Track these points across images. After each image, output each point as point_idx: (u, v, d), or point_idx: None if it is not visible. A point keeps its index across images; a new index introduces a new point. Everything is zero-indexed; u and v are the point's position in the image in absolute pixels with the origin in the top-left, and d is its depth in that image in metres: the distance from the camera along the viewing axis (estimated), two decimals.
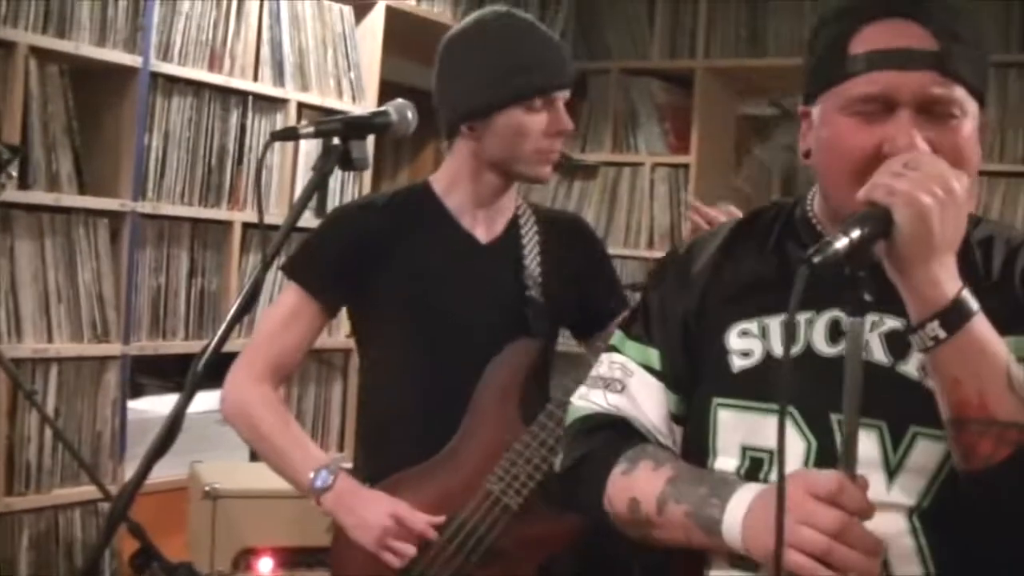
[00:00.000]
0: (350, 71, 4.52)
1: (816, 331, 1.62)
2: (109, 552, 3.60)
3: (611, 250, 5.44)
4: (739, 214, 2.26)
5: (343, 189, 4.43)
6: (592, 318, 2.62)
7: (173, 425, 1.79)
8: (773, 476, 1.57)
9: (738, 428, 1.64)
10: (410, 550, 2.29)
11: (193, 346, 3.92)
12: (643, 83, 5.61)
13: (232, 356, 2.45)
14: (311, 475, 2.36)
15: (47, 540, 3.56)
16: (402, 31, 4.69)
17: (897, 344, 1.57)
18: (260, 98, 4.17)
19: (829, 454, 1.54)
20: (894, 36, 1.56)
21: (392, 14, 4.63)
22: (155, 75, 3.79)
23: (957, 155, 1.52)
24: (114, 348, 3.73)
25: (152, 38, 3.76)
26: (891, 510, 1.51)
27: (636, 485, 1.66)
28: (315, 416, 4.39)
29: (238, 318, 1.86)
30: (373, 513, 2.32)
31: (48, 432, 3.49)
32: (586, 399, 1.83)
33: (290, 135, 2.23)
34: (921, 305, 1.42)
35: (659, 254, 5.37)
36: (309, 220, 2.32)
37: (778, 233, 1.74)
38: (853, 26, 1.59)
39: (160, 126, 3.84)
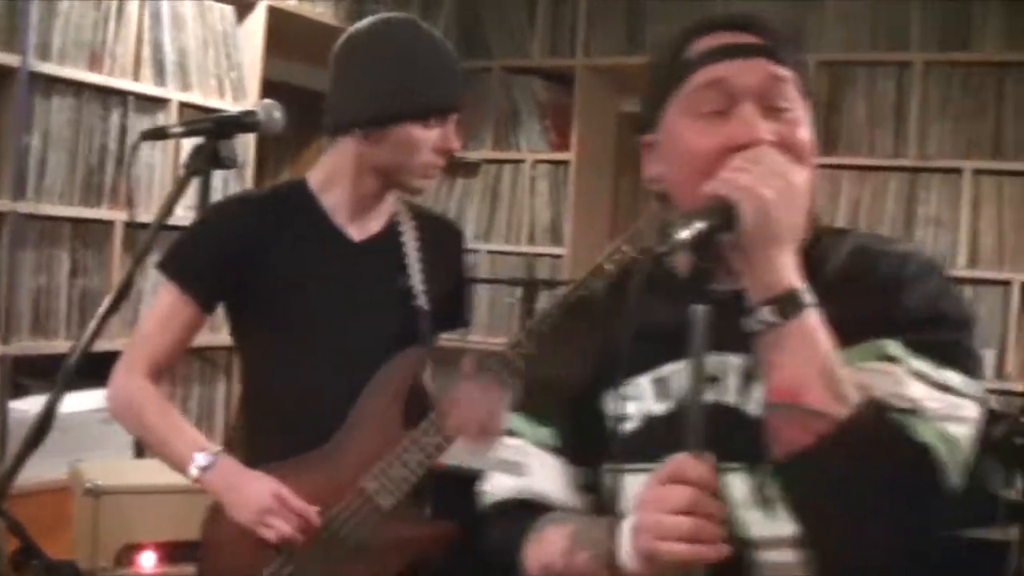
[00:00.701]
0: (232, 71, 4.52)
1: (678, 382, 1.65)
2: None
3: (493, 246, 5.63)
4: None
5: (226, 188, 4.41)
6: (442, 322, 2.66)
7: (44, 421, 1.81)
8: None
9: (629, 491, 1.60)
10: (288, 529, 2.30)
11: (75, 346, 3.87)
12: (524, 81, 5.70)
13: (116, 355, 2.48)
14: (193, 456, 2.37)
15: None
16: (284, 31, 4.70)
17: (747, 384, 1.59)
18: (141, 98, 4.15)
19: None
20: (725, 39, 1.62)
21: (274, 14, 4.64)
22: (34, 75, 3.76)
23: (799, 148, 1.56)
24: None
25: (31, 38, 3.73)
26: (778, 545, 1.53)
27: (544, 550, 1.66)
28: (199, 415, 4.40)
29: (107, 317, 1.88)
30: (255, 491, 2.33)
31: None
32: (493, 485, 1.83)
33: (160, 134, 2.25)
34: (760, 290, 1.46)
35: (541, 250, 5.47)
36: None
37: (640, 290, 1.71)
38: (688, 40, 1.64)
39: (40, 126, 3.81)
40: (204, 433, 2.48)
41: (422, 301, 2.53)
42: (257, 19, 4.62)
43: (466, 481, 2.26)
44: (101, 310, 1.87)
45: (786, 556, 1.53)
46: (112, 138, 4.07)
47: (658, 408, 1.66)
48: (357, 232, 2.53)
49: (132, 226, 4.02)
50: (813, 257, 1.61)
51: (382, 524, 2.40)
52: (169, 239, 2.54)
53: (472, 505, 1.83)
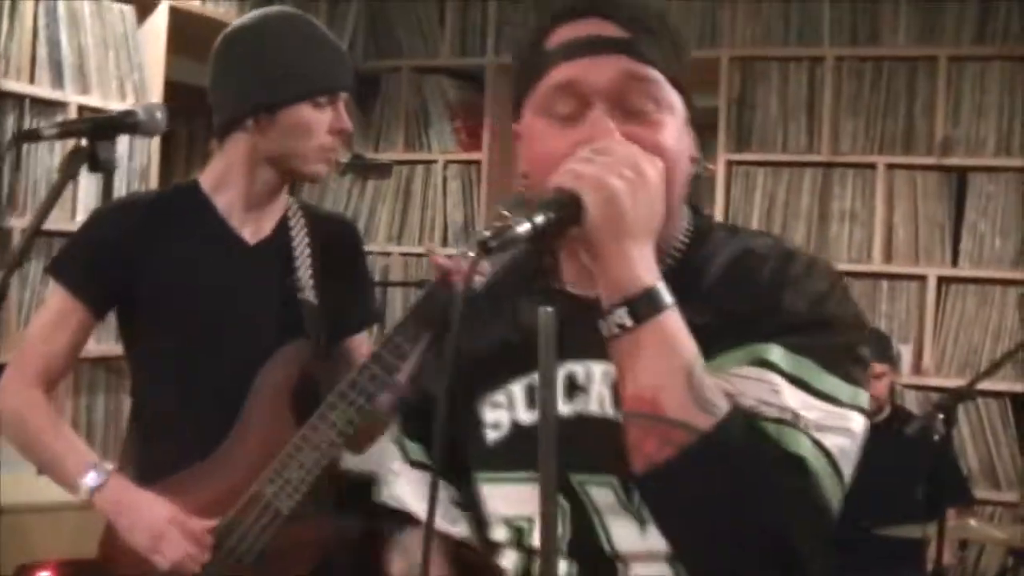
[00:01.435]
0: (133, 72, 4.39)
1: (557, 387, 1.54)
2: None
3: (406, 248, 5.55)
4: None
5: (130, 192, 4.30)
6: (337, 328, 2.57)
7: None
8: (534, 542, 1.53)
9: (499, 500, 1.59)
10: (181, 556, 2.23)
11: None
12: (434, 81, 5.62)
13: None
14: (82, 474, 2.27)
15: None
16: (187, 31, 4.58)
17: (615, 392, 1.49)
18: (38, 101, 4.01)
19: (582, 515, 1.49)
20: (584, 30, 1.50)
21: (176, 14, 4.53)
22: None
23: (659, 153, 1.44)
24: None
25: None
26: (651, 559, 1.46)
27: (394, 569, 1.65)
28: (105, 426, 4.24)
29: None
30: (149, 515, 2.25)
31: None
32: (385, 483, 1.79)
33: (33, 136, 2.15)
34: (612, 291, 1.35)
35: (454, 251, 5.39)
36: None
37: (513, 292, 1.67)
38: (546, 29, 1.53)
39: None
40: (111, 444, 2.39)
41: (310, 295, 2.44)
42: (159, 19, 4.50)
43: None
44: None
45: (660, 570, 1.45)
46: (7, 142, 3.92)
47: (527, 417, 1.57)
48: (251, 234, 2.44)
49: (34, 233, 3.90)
50: (696, 258, 1.55)
51: (284, 529, 2.31)
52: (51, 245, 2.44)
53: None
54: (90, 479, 2.27)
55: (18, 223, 3.93)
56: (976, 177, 4.73)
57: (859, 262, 4.86)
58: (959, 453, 4.47)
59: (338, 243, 2.58)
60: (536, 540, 1.47)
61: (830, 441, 1.39)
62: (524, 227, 1.25)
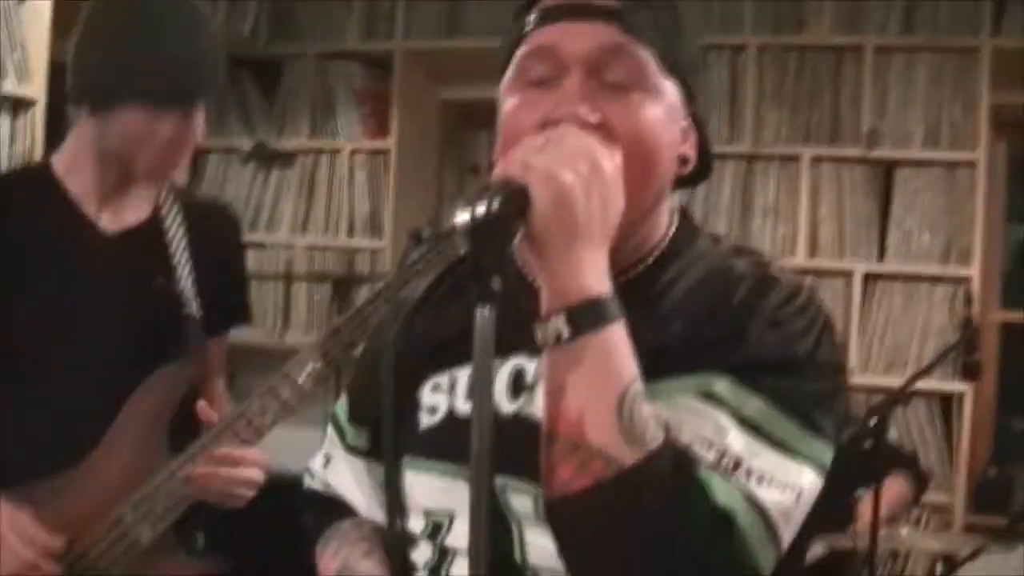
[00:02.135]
0: (14, 51, 4.11)
1: (497, 384, 1.41)
2: None
3: (311, 240, 5.30)
4: None
5: None
6: (215, 322, 2.36)
7: None
8: (450, 540, 1.42)
9: (421, 490, 1.46)
10: (21, 564, 1.99)
11: None
12: (340, 66, 5.40)
13: None
14: None
15: None
16: (74, 10, 4.31)
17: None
18: None
19: (498, 519, 1.36)
20: None
21: None
22: None
23: (631, 137, 1.33)
24: None
25: None
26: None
27: (326, 565, 1.55)
28: None
29: None
30: None
31: None
32: (312, 466, 1.71)
33: None
34: (553, 296, 1.22)
35: (360, 243, 5.21)
36: None
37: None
38: None
39: None
40: None
41: (191, 308, 2.21)
42: None
43: (247, 508, 2.05)
44: None
45: None
46: None
47: (465, 407, 1.44)
48: (111, 222, 2.20)
49: None
50: (671, 268, 1.42)
51: (141, 561, 2.08)
52: None
53: (253, 536, 1.61)
54: None
55: None
56: (903, 171, 4.60)
57: (782, 258, 4.70)
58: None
59: (218, 236, 2.36)
60: (452, 539, 1.40)
61: (770, 496, 1.24)
62: (463, 218, 1.14)
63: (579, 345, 1.20)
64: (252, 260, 3.71)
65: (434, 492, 1.44)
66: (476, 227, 1.15)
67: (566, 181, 1.20)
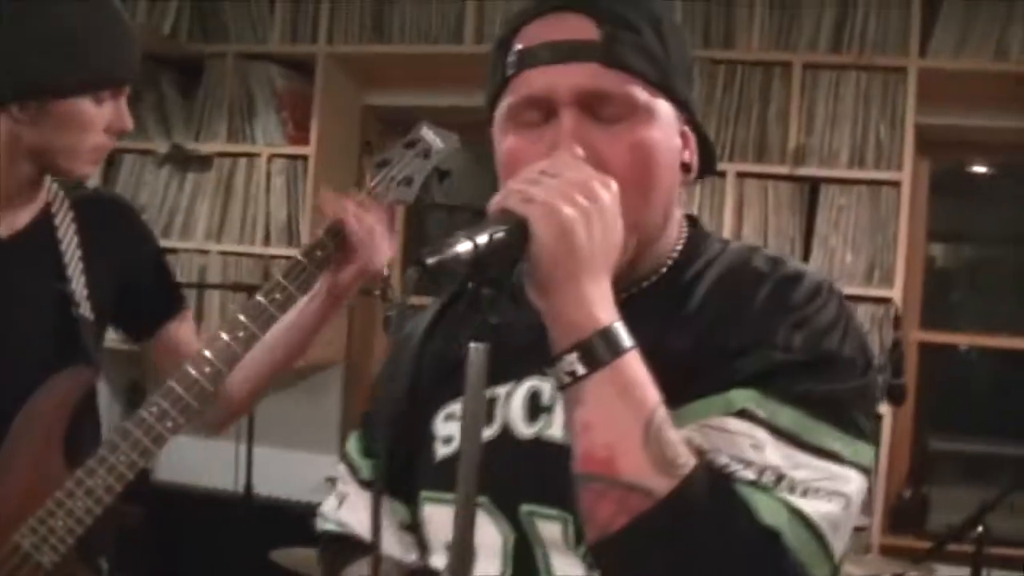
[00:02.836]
0: None
1: (513, 407, 1.39)
2: None
3: (226, 247, 5.16)
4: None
5: None
6: (139, 318, 2.28)
7: None
8: (480, 573, 1.37)
9: (441, 523, 1.42)
10: None
11: None
12: (261, 68, 5.26)
13: None
14: None
15: None
16: None
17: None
18: None
19: (526, 546, 1.34)
20: (551, 30, 1.36)
21: None
22: None
23: (631, 166, 1.33)
24: None
25: None
26: None
27: None
28: None
29: None
30: None
31: None
32: (323, 510, 1.66)
33: None
34: (562, 332, 1.20)
35: (276, 251, 5.09)
36: None
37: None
38: (515, 26, 1.40)
39: None
40: None
41: (84, 309, 2.11)
42: None
43: (158, 522, 1.95)
44: None
45: None
46: None
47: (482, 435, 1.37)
48: (5, 227, 2.10)
49: None
50: (687, 273, 1.41)
51: None
52: None
53: (166, 553, 1.51)
54: None
55: None
56: (828, 189, 4.57)
57: None
58: None
59: (112, 226, 2.25)
60: (480, 572, 1.38)
61: (817, 508, 1.20)
62: (465, 247, 1.11)
63: (594, 381, 1.19)
64: None
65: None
66: (477, 258, 1.12)
67: (567, 215, 1.18)
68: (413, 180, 2.21)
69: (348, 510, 1.62)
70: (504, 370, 1.30)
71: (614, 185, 1.27)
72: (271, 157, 5.20)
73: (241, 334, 2.07)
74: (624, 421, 1.18)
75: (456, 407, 1.46)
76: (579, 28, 1.36)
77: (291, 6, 5.25)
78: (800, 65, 4.57)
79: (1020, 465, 4.36)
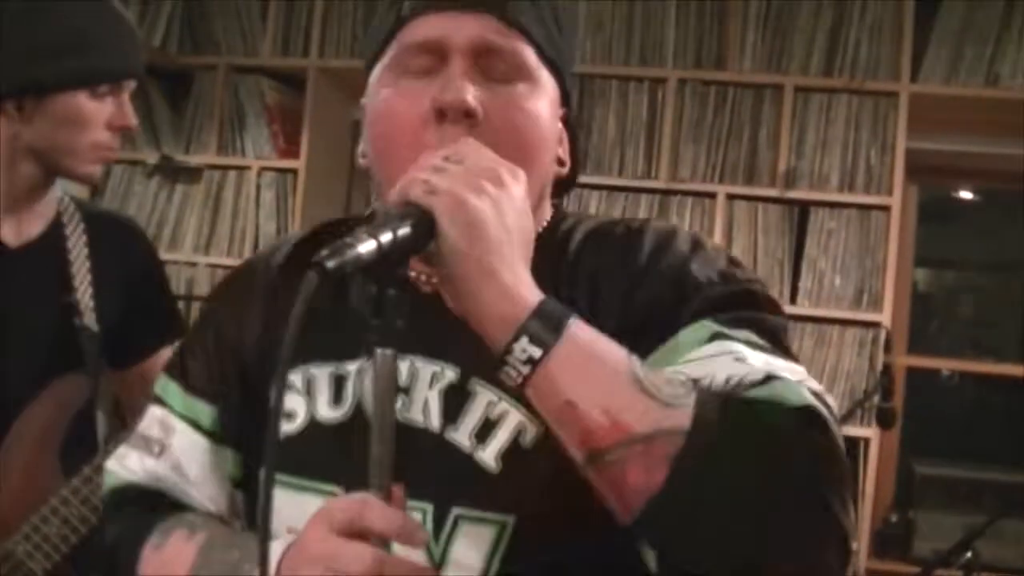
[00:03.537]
0: None
1: (367, 384, 1.29)
2: None
3: (214, 259, 5.14)
4: None
5: None
6: (132, 343, 2.26)
7: None
8: None
9: (281, 508, 1.25)
10: None
11: None
12: (252, 81, 5.26)
13: None
14: None
15: None
16: None
17: (452, 402, 1.28)
18: None
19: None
20: None
21: None
22: None
23: (515, 129, 1.30)
24: None
25: None
26: None
27: (167, 560, 1.33)
28: None
29: None
30: None
31: None
32: (122, 463, 1.47)
33: None
34: (497, 329, 1.12)
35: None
36: None
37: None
38: None
39: None
40: None
41: (89, 320, 2.09)
42: None
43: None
44: None
45: None
46: None
47: (329, 413, 1.32)
48: (13, 235, 2.10)
49: None
50: (557, 236, 1.40)
51: None
52: None
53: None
54: None
55: None
56: (818, 212, 4.58)
57: None
58: None
59: (122, 247, 2.25)
60: None
61: (814, 386, 1.18)
62: (368, 246, 1.02)
63: (559, 354, 1.11)
64: None
65: (294, 511, 1.26)
66: (382, 258, 1.04)
67: (475, 206, 1.11)
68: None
69: (167, 461, 1.44)
70: (355, 345, 1.23)
71: (521, 173, 1.21)
72: (261, 170, 5.18)
73: None
74: (606, 380, 1.12)
75: (295, 377, 1.35)
76: None
77: (283, 19, 5.24)
78: (791, 88, 4.58)
79: (1006, 490, 4.37)
